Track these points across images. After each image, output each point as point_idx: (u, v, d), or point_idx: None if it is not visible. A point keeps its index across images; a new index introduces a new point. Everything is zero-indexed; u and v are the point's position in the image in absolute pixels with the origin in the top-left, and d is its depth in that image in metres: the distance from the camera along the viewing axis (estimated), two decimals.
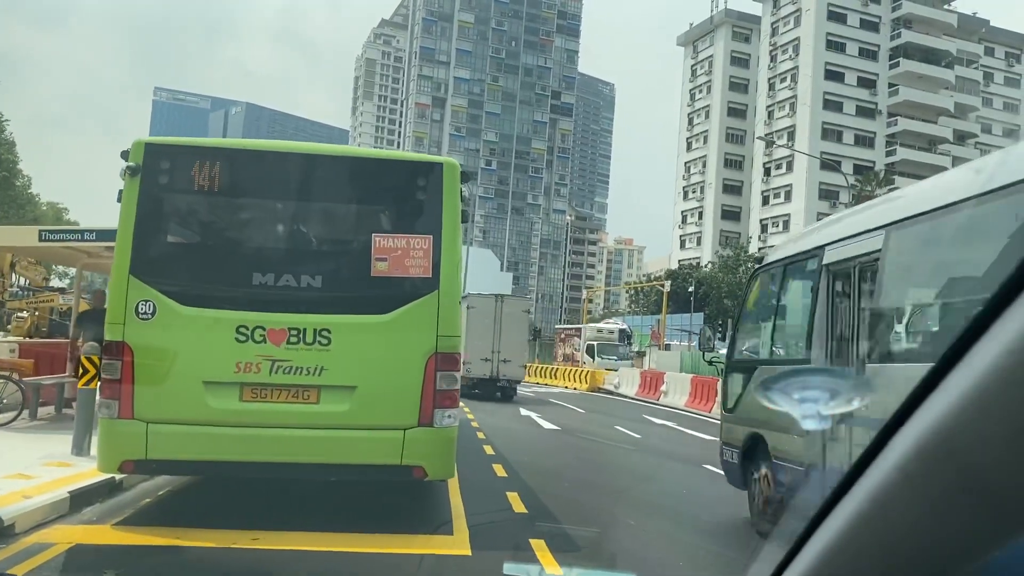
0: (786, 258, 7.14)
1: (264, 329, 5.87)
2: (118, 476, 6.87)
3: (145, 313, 5.84)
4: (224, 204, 6.60)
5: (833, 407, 1.17)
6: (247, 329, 5.86)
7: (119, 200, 6.01)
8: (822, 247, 6.22)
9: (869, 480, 0.86)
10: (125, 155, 6.02)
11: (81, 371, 7.89)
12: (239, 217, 6.81)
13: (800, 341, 6.58)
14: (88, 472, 6.95)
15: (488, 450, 10.90)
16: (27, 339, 21.90)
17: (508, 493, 7.58)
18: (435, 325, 6.12)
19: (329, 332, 5.95)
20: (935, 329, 5.12)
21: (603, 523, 6.79)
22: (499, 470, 9.11)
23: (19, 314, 30.45)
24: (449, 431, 6.12)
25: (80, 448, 7.74)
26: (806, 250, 6.66)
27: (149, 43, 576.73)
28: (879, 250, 5.35)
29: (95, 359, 7.85)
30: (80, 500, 6.23)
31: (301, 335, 5.91)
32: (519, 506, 7.06)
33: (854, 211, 6.86)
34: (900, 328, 5.46)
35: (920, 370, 0.76)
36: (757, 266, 8.29)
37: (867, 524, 0.87)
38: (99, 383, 6.29)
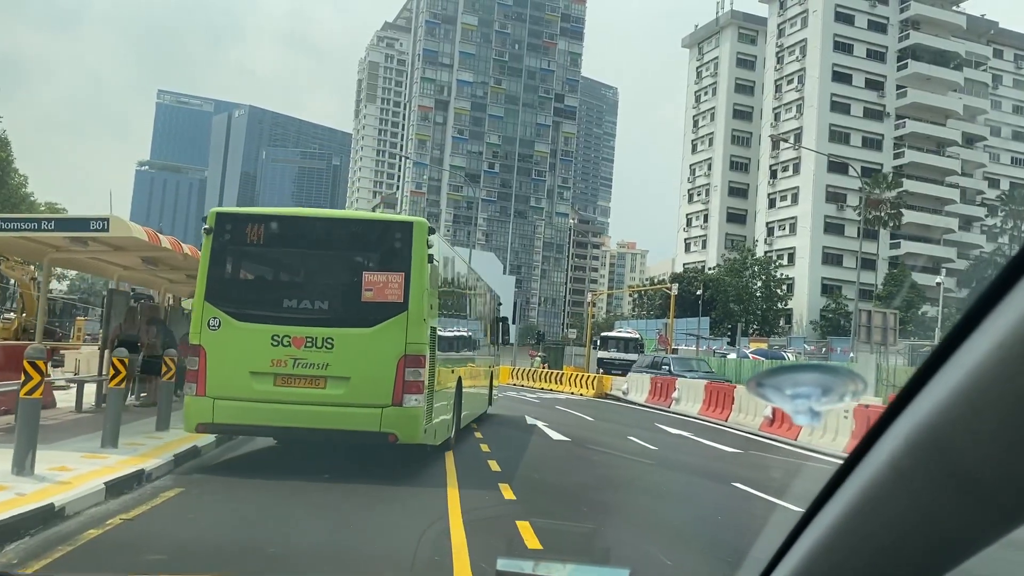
0: None
1: (290, 337, 8.44)
2: (58, 504, 5.89)
3: (214, 326, 8.51)
4: (266, 252, 9.34)
5: None
6: (279, 337, 8.44)
7: (200, 248, 9.04)
8: None
9: (860, 476, 0.85)
10: (203, 220, 8.87)
11: (24, 378, 6.80)
12: (275, 261, 9.61)
13: None
14: (25, 498, 5.91)
15: (493, 466, 9.82)
16: (13, 341, 20.90)
17: (518, 522, 6.50)
18: (405, 335, 8.49)
19: (332, 340, 8.45)
20: None
21: (635, 563, 5.68)
22: (506, 491, 8.03)
23: (6, 315, 29.49)
24: (415, 409, 8.47)
25: (21, 467, 6.67)
26: None
27: (154, 46, 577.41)
28: None
29: (41, 364, 6.81)
30: (1, 535, 5.15)
31: (314, 341, 8.43)
32: (532, 540, 5.96)
33: None
34: None
35: None
36: None
37: (858, 520, 0.87)
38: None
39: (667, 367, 27.37)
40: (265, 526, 6.50)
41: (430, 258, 8.74)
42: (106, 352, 12.98)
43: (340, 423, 8.28)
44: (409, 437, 8.41)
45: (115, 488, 6.91)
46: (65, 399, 13.21)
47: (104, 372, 12.08)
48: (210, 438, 9.97)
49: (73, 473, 7.08)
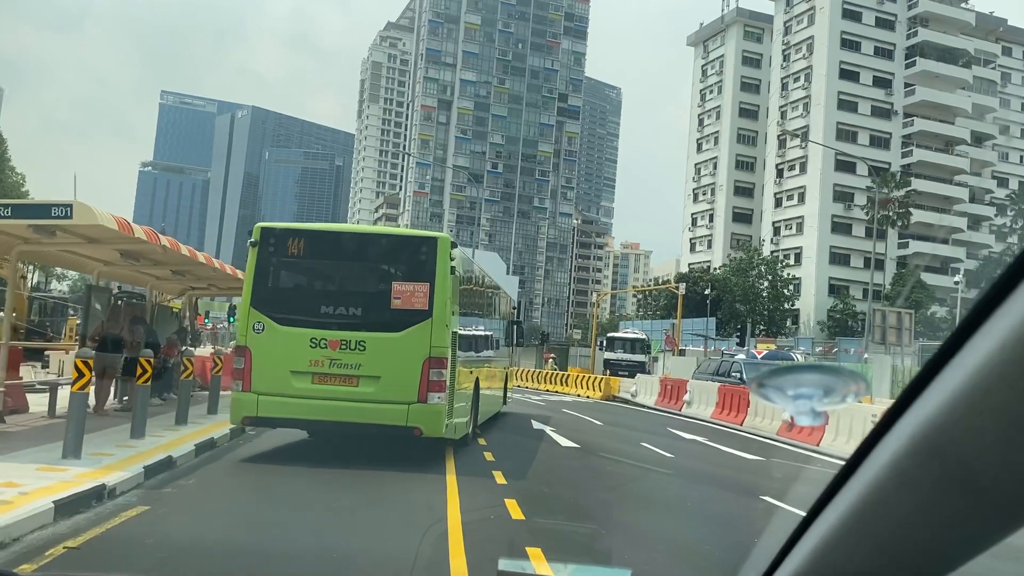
0: None
1: (327, 340, 9.23)
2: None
3: (258, 329, 9.32)
4: (305, 264, 10.29)
5: None
6: (316, 340, 9.23)
7: (247, 263, 9.63)
8: None
9: (862, 477, 0.85)
10: (249, 234, 9.62)
11: None
12: (313, 271, 10.57)
13: None
14: None
15: (499, 477, 8.93)
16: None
17: (528, 548, 5.61)
18: (429, 339, 9.26)
19: (365, 342, 9.24)
20: None
21: None
22: (513, 508, 7.15)
23: None
24: (438, 406, 9.23)
25: None
26: None
27: (158, 47, 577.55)
28: None
29: None
30: None
31: (348, 344, 9.22)
32: (546, 572, 5.08)
33: None
34: None
35: None
36: None
37: (859, 522, 0.86)
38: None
39: (738, 375, 22.21)
40: (239, 553, 5.63)
41: (452, 270, 9.56)
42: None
43: (371, 418, 9.08)
44: (433, 431, 9.19)
45: (67, 507, 6.04)
46: (42, 403, 12.36)
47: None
48: (188, 448, 9.18)
49: (20, 490, 6.21)
